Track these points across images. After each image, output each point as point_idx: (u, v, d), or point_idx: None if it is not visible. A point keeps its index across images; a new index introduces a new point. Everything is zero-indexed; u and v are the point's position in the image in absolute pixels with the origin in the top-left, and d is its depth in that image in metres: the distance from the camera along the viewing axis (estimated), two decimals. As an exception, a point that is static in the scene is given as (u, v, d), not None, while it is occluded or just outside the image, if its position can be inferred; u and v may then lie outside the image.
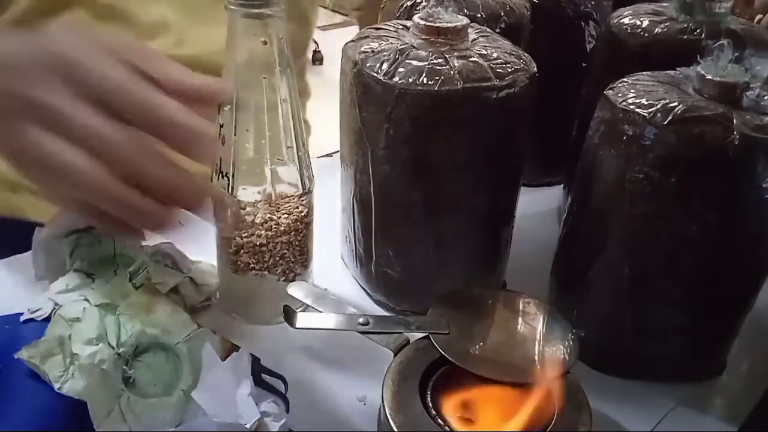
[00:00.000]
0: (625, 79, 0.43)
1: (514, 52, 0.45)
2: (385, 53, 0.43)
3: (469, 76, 0.41)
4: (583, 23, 0.59)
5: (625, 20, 0.52)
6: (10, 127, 0.33)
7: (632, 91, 0.41)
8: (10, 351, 0.40)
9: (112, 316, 0.41)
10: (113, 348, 0.39)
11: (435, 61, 0.42)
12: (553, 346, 0.39)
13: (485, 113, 0.43)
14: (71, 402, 0.38)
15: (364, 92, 0.44)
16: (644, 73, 0.43)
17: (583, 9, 0.59)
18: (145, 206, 0.34)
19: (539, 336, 0.41)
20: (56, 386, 0.38)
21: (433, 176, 0.44)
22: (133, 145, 0.33)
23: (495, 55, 0.44)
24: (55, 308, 0.45)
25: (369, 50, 0.44)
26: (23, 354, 0.39)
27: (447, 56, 0.42)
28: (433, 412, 0.36)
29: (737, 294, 0.43)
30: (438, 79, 0.41)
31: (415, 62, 0.42)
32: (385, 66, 0.42)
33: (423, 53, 0.43)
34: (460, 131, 0.43)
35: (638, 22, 0.51)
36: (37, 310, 0.46)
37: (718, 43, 0.40)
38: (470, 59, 0.42)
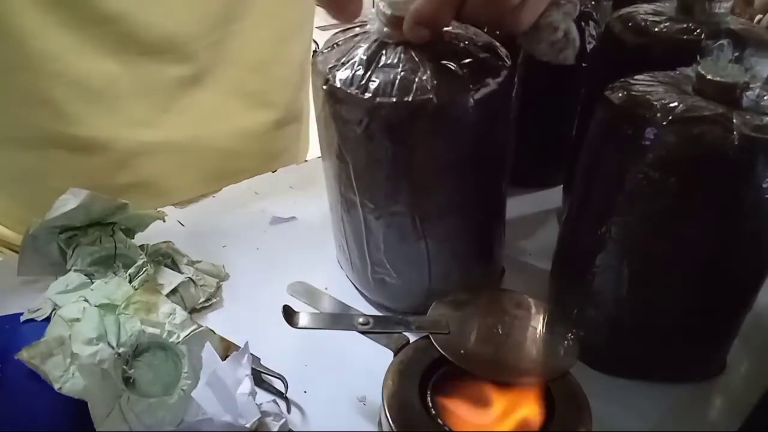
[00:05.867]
0: (625, 79, 0.43)
1: (487, 46, 0.44)
2: (354, 63, 0.42)
3: (443, 81, 0.40)
4: (583, 23, 0.59)
5: (625, 20, 0.52)
6: None
7: (632, 91, 0.41)
8: (10, 351, 0.40)
9: (112, 316, 0.41)
10: (113, 348, 0.39)
11: (406, 68, 0.40)
12: (553, 346, 0.39)
13: (463, 117, 0.41)
14: (71, 402, 0.38)
15: (338, 108, 0.42)
16: (644, 73, 0.43)
17: (583, 9, 0.59)
18: None
19: (539, 336, 0.41)
20: (56, 386, 0.38)
21: (417, 185, 0.43)
22: None
23: (468, 52, 0.42)
24: (54, 308, 0.45)
25: (338, 63, 0.42)
26: (23, 354, 0.39)
27: (417, 58, 0.41)
28: (433, 412, 0.36)
29: (737, 294, 0.43)
30: (411, 90, 0.40)
31: (385, 72, 0.41)
32: (356, 79, 0.41)
33: (393, 59, 0.41)
34: (439, 138, 0.42)
35: (638, 22, 0.51)
36: (37, 310, 0.46)
37: (718, 43, 0.40)
38: (442, 61, 0.41)
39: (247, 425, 0.37)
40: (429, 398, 0.37)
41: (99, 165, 0.65)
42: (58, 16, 0.57)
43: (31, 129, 0.62)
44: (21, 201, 0.67)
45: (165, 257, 0.51)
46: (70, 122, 0.62)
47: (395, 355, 0.40)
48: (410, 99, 0.40)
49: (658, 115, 0.38)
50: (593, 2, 0.59)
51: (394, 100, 0.40)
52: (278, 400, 0.42)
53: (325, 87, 0.42)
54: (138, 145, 0.66)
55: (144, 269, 0.46)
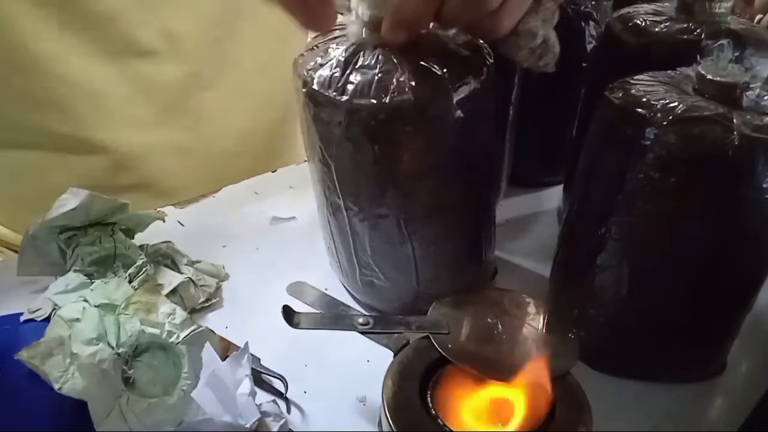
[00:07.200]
0: (625, 79, 0.43)
1: (468, 44, 0.43)
2: (332, 64, 0.41)
3: (422, 81, 0.39)
4: (583, 23, 0.59)
5: (625, 20, 0.52)
6: None
7: (632, 91, 0.41)
8: (10, 351, 0.40)
9: (111, 316, 0.41)
10: (113, 348, 0.39)
11: (384, 68, 0.40)
12: (553, 346, 0.39)
13: (444, 117, 0.41)
14: (71, 402, 0.38)
15: (318, 111, 0.42)
16: (644, 73, 0.43)
17: (583, 9, 0.59)
18: None
19: (539, 336, 0.41)
20: (56, 386, 0.38)
21: (400, 186, 0.43)
22: None
23: (448, 51, 0.42)
24: (54, 308, 0.45)
25: (316, 65, 0.42)
26: (23, 354, 0.39)
27: (395, 59, 0.40)
28: (433, 412, 0.36)
29: (737, 294, 0.43)
30: (389, 90, 0.39)
31: (363, 72, 0.40)
32: (333, 81, 0.40)
33: (371, 60, 0.40)
34: (420, 139, 0.41)
35: (638, 22, 0.51)
36: (37, 310, 0.46)
37: (718, 43, 0.40)
38: (421, 61, 0.40)
39: (247, 425, 0.37)
40: (429, 398, 0.37)
41: (99, 165, 0.65)
42: (57, 19, 0.57)
43: (31, 130, 0.62)
44: (21, 201, 0.67)
45: (165, 257, 0.51)
46: (70, 124, 0.62)
47: (395, 355, 0.40)
48: (388, 100, 0.39)
49: (658, 115, 0.38)
50: (593, 2, 0.59)
51: (372, 101, 0.39)
52: (278, 400, 0.42)
53: (304, 90, 0.42)
54: (139, 146, 0.66)
55: (144, 269, 0.46)
